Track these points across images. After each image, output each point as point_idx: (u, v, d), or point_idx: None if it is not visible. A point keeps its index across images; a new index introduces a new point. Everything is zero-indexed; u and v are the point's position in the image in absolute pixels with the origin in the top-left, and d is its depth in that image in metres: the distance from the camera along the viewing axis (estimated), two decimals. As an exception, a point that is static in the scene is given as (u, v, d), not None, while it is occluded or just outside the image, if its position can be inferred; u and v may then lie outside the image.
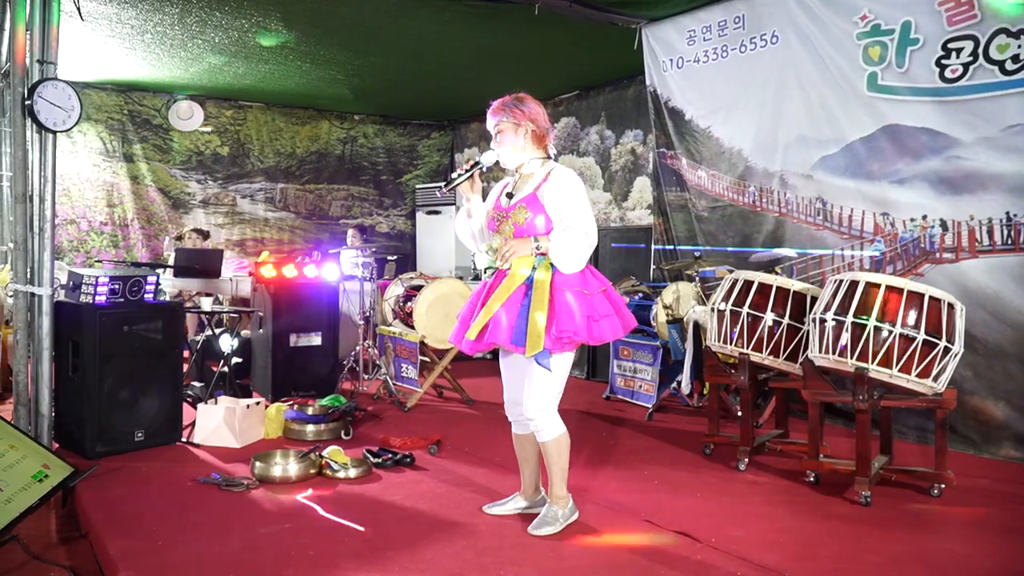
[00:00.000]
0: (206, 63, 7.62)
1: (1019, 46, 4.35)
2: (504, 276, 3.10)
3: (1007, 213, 4.48)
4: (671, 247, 6.55)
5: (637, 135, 8.14)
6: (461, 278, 7.76)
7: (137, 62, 7.60)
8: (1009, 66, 4.39)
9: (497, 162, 3.19)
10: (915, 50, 4.78)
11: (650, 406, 5.75)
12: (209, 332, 5.79)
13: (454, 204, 9.88)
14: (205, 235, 8.03)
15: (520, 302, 3.00)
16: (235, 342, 5.99)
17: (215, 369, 5.51)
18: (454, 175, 3.20)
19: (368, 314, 6.52)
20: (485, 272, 3.20)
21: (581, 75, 8.23)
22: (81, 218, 8.63)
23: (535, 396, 3.08)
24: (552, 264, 3.02)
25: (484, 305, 3.09)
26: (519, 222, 3.07)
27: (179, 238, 7.86)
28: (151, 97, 8.94)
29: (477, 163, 3.16)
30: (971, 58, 4.52)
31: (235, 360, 6.03)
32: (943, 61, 4.64)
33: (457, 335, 3.18)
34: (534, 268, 3.02)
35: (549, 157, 3.14)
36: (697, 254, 5.90)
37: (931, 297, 3.59)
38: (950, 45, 4.62)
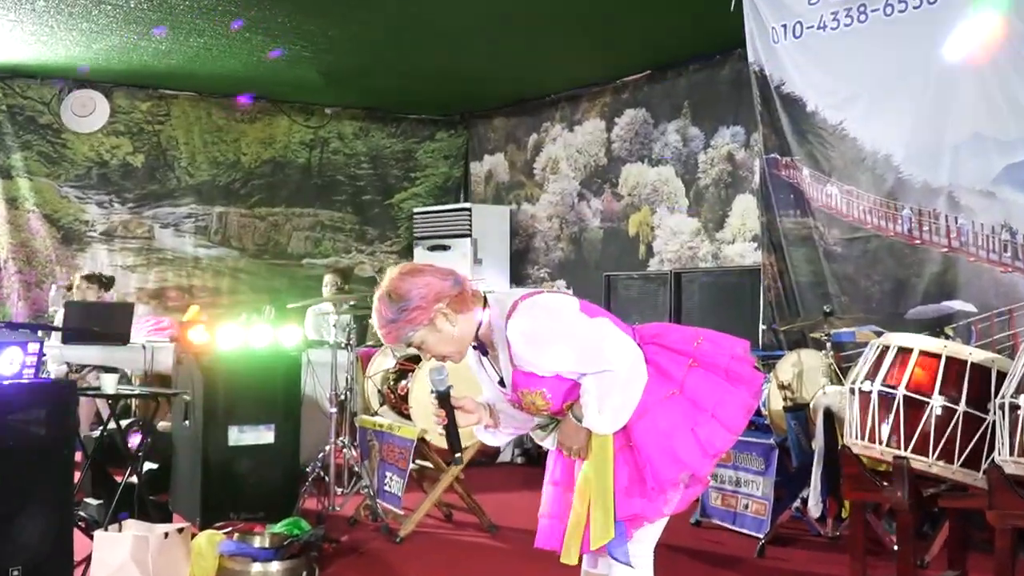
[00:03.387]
0: (116, 37, 7.83)
1: None
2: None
3: None
4: (789, 298, 6.53)
5: (736, 134, 8.20)
6: (479, 344, 7.79)
7: (23, 38, 7.84)
8: None
9: (445, 383, 3.13)
10: None
11: (761, 536, 5.68)
12: (111, 425, 5.84)
13: (468, 235, 9.97)
14: (106, 283, 8.12)
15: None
16: (149, 440, 6.02)
17: (119, 479, 5.54)
18: (439, 433, 3.24)
19: (344, 398, 6.53)
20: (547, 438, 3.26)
21: (654, 48, 8.33)
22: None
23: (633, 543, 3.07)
24: None
25: (567, 493, 3.12)
26: (541, 407, 3.07)
27: (69, 287, 7.99)
28: (37, 86, 9.20)
29: (440, 396, 3.11)
30: None
31: (148, 466, 6.02)
32: None
33: (547, 539, 3.21)
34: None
35: (484, 303, 3.06)
36: (828, 309, 5.88)
37: None
38: None
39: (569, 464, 3.14)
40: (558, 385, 2.97)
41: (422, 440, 5.88)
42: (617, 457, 2.98)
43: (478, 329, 3.03)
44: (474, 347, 3.10)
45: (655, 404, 2.96)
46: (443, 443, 5.89)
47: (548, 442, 3.23)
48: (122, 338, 6.93)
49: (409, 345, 3.07)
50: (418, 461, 5.97)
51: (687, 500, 3.03)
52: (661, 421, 2.96)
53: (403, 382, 6.18)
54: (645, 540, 3.08)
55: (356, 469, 6.33)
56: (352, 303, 6.98)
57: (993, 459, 3.89)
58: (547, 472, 3.30)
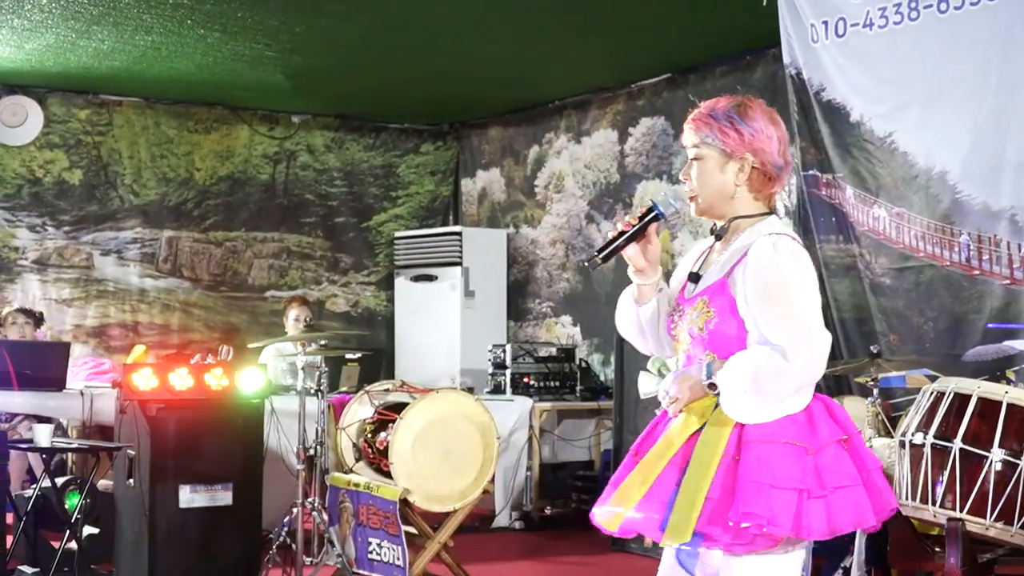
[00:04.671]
0: (52, 35, 7.92)
1: None
2: (668, 419, 3.15)
3: None
4: (830, 335, 6.62)
5: (770, 147, 8.28)
6: (471, 390, 7.83)
7: (-60, 35, 7.92)
8: None
9: (681, 211, 3.19)
10: None
11: (796, 612, 5.74)
12: (46, 483, 5.88)
13: (459, 264, 10.03)
14: (37, 319, 8.20)
15: (682, 464, 3.00)
16: (88, 500, 6.07)
17: (56, 545, 5.58)
18: (613, 235, 3.19)
19: (313, 453, 6.58)
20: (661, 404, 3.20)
21: (674, 49, 8.43)
22: None
23: None
24: None
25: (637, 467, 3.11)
26: (697, 328, 3.09)
27: (-2, 324, 8.07)
28: (-41, 91, 9.28)
29: (651, 211, 3.16)
30: None
31: (89, 531, 6.06)
32: None
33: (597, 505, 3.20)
34: (717, 405, 3.00)
35: (771, 212, 3.15)
36: (875, 349, 5.96)
37: None
38: None
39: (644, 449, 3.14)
40: (729, 323, 3.00)
41: (404, 501, 5.92)
42: (721, 461, 2.94)
43: (735, 216, 3.09)
44: (714, 231, 3.14)
45: (789, 443, 2.93)
46: (429, 506, 5.99)
47: (651, 387, 3.22)
48: (57, 383, 6.97)
49: (694, 147, 3.12)
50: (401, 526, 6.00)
51: (770, 543, 2.93)
52: (787, 462, 2.92)
53: (382, 434, 6.21)
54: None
55: (327, 536, 6.36)
56: (323, 343, 7.02)
57: (1060, 521, 3.98)
58: (639, 437, 3.26)
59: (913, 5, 6.13)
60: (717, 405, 2.97)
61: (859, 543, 5.50)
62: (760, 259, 2.94)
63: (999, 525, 4.25)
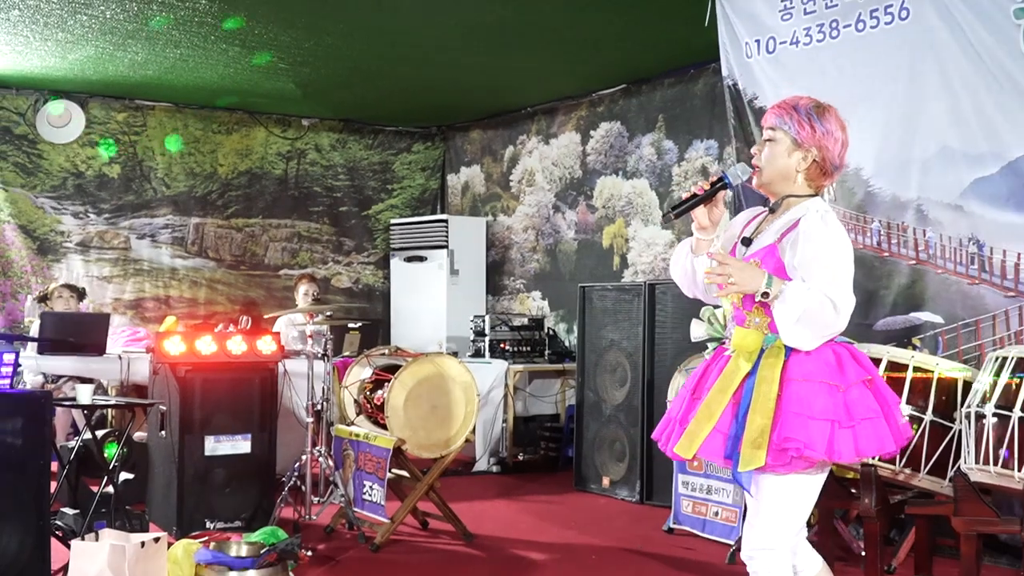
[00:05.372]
0: (92, 47, 7.85)
1: None
2: (724, 359, 3.20)
3: None
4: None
5: (710, 148, 8.28)
6: (455, 354, 7.82)
7: (-4, 48, 7.84)
8: None
9: (749, 180, 3.26)
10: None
11: (732, 542, 5.73)
12: (87, 435, 5.84)
13: (445, 247, 10.00)
14: (80, 294, 8.13)
15: (737, 400, 3.09)
16: (125, 450, 6.03)
17: (95, 489, 5.54)
18: (686, 195, 3.27)
19: (320, 408, 6.55)
20: (707, 349, 3.30)
21: (628, 63, 8.40)
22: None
23: (763, 531, 3.12)
24: (785, 346, 3.08)
25: (701, 401, 3.17)
26: None
27: (45, 298, 7.99)
28: (13, 96, 9.18)
29: (721, 180, 3.23)
30: None
31: (124, 476, 6.01)
32: None
33: (665, 438, 3.29)
34: (762, 351, 3.10)
35: (816, 195, 3.23)
36: (799, 320, 5.96)
37: None
38: None
39: (703, 385, 3.23)
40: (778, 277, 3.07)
41: (398, 449, 5.91)
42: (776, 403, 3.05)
43: (788, 195, 3.20)
44: (768, 205, 3.27)
45: (823, 382, 3.03)
46: (419, 452, 5.98)
47: (703, 331, 3.30)
48: (98, 349, 6.93)
49: (771, 129, 3.19)
50: (394, 470, 5.99)
51: (806, 465, 3.04)
52: (822, 397, 3.01)
53: (379, 392, 6.19)
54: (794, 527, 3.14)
55: (332, 479, 6.34)
56: (329, 314, 6.99)
57: (959, 467, 3.97)
58: (688, 379, 3.37)
59: (834, 25, 6.12)
60: (762, 352, 3.09)
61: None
62: (812, 228, 3.06)
63: (908, 471, 4.25)
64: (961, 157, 5.49)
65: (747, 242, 3.23)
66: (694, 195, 3.23)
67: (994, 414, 3.75)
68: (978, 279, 5.42)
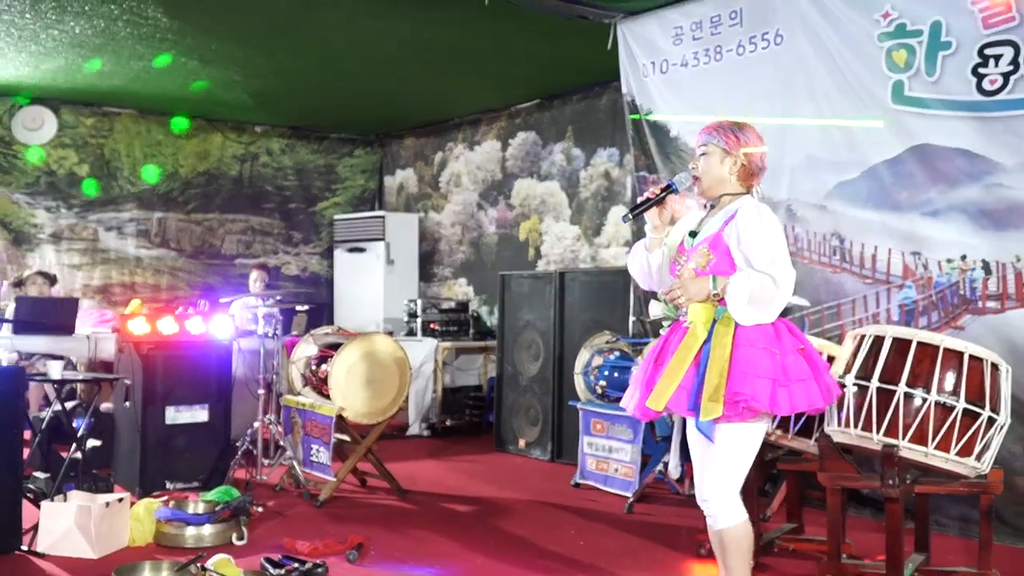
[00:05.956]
0: (62, 59, 7.62)
1: (1068, 52, 4.59)
2: (681, 331, 3.31)
3: (1061, 253, 4.67)
4: (654, 293, 6.63)
5: (612, 155, 8.31)
6: (391, 333, 7.76)
7: (-27, 58, 7.57)
8: (1057, 76, 4.62)
9: (690, 188, 3.42)
10: (947, 55, 5.01)
11: (630, 495, 5.77)
12: (58, 407, 5.69)
13: (382, 239, 9.91)
14: (52, 280, 7.95)
15: (697, 363, 3.22)
16: (92, 419, 5.88)
17: (64, 455, 5.40)
18: (641, 200, 3.44)
19: (270, 381, 6.46)
20: (662, 325, 3.36)
21: (542, 81, 8.40)
22: None
23: (716, 473, 3.28)
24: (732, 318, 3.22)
25: (665, 366, 3.29)
26: (700, 266, 3.29)
27: (19, 283, 7.78)
28: (-10, 102, 8.89)
29: (669, 186, 3.39)
30: (1011, 67, 4.74)
31: (91, 443, 5.89)
32: (980, 70, 4.87)
33: (634, 402, 3.39)
34: (715, 321, 3.22)
35: (747, 193, 3.40)
36: (688, 303, 5.99)
37: (972, 356, 3.70)
38: (987, 51, 4.84)
39: (665, 354, 3.33)
40: (724, 260, 3.25)
41: (340, 417, 5.86)
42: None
43: (724, 194, 3.36)
44: (710, 203, 3.41)
45: (764, 348, 3.17)
46: (358, 419, 5.92)
47: (661, 311, 3.39)
48: (68, 329, 6.76)
49: (703, 145, 3.38)
50: (336, 435, 5.93)
51: (750, 415, 3.18)
52: (763, 360, 3.15)
53: (323, 366, 6.14)
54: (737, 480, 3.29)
55: (281, 443, 6.27)
56: (278, 298, 6.90)
57: (823, 430, 4.01)
58: (649, 350, 3.51)
59: (718, 50, 6.16)
60: (715, 321, 3.22)
61: (675, 443, 5.52)
62: (749, 217, 3.24)
63: (778, 432, 4.29)
64: (826, 164, 5.57)
65: (693, 234, 3.38)
66: (647, 199, 3.41)
67: (854, 384, 3.80)
68: (839, 268, 5.51)
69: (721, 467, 3.26)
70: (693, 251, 3.33)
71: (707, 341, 3.21)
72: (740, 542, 3.32)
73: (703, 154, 3.39)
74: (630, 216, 3.44)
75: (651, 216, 3.42)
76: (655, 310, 3.51)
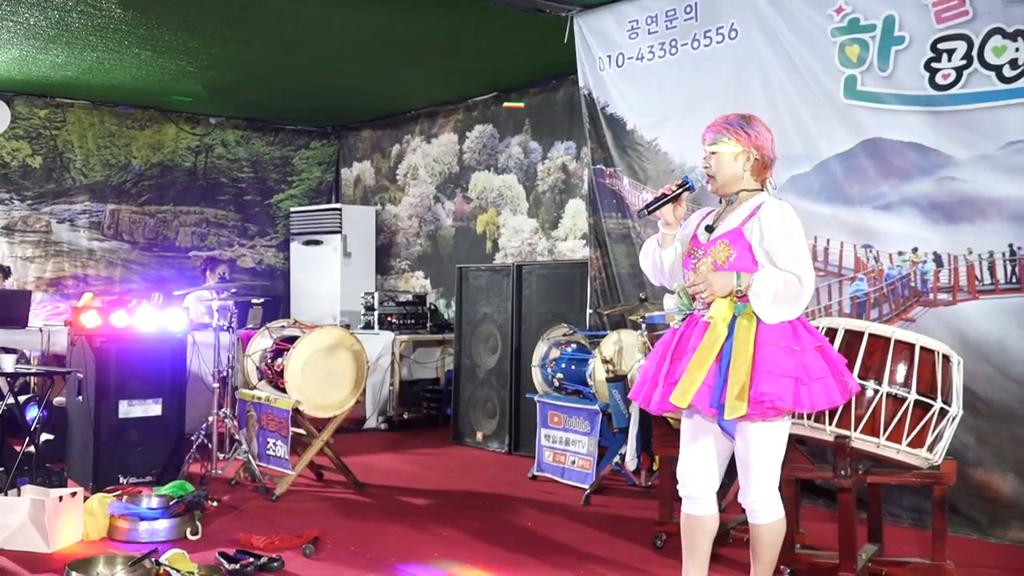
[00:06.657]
0: (15, 50, 7.44)
1: (1016, 49, 4.63)
2: (699, 325, 3.25)
3: (1010, 246, 4.72)
4: (611, 287, 6.62)
5: (569, 148, 8.28)
6: (348, 326, 7.68)
7: (-78, 48, 7.37)
8: (1007, 72, 4.65)
9: (703, 187, 3.39)
10: (900, 50, 5.03)
11: (586, 487, 5.76)
12: (10, 400, 5.57)
13: (339, 232, 9.80)
14: (5, 272, 7.81)
15: (719, 360, 3.18)
16: (45, 413, 5.77)
17: (18, 449, 5.30)
18: (655, 196, 3.38)
19: (225, 374, 6.36)
20: (676, 318, 3.35)
21: (499, 73, 8.35)
22: None
23: (762, 472, 3.28)
24: (754, 314, 3.19)
25: (680, 361, 3.24)
26: (719, 261, 3.26)
27: (-30, 277, 7.61)
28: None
29: (685, 184, 3.37)
30: (964, 61, 4.79)
31: (44, 437, 5.78)
32: (933, 64, 4.90)
33: (642, 394, 3.35)
34: (735, 316, 3.20)
35: (763, 190, 3.38)
36: (643, 295, 5.99)
37: (923, 348, 3.72)
38: (940, 46, 4.88)
39: (681, 349, 3.28)
40: (745, 255, 3.22)
41: (296, 410, 5.79)
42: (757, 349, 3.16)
43: (741, 190, 3.33)
44: (727, 199, 3.36)
45: (787, 346, 3.16)
46: (314, 413, 5.86)
47: (674, 304, 3.36)
48: (21, 322, 6.64)
49: (712, 144, 3.34)
50: (292, 429, 5.85)
51: (775, 414, 3.18)
52: (786, 359, 3.14)
53: (279, 360, 6.05)
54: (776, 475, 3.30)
55: (236, 437, 6.17)
56: (234, 291, 6.79)
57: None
58: (658, 343, 3.43)
59: (673, 43, 6.16)
60: (735, 317, 3.19)
61: (632, 434, 5.53)
62: (772, 215, 3.23)
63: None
64: (780, 157, 5.54)
65: (710, 229, 3.34)
66: (663, 195, 3.37)
67: (807, 375, 3.80)
68: (792, 261, 5.52)
69: (762, 466, 3.27)
70: (711, 245, 3.29)
71: (728, 337, 3.19)
72: (777, 538, 3.36)
73: (712, 153, 3.35)
74: (645, 212, 3.40)
75: (665, 212, 3.38)
76: (669, 303, 3.48)
